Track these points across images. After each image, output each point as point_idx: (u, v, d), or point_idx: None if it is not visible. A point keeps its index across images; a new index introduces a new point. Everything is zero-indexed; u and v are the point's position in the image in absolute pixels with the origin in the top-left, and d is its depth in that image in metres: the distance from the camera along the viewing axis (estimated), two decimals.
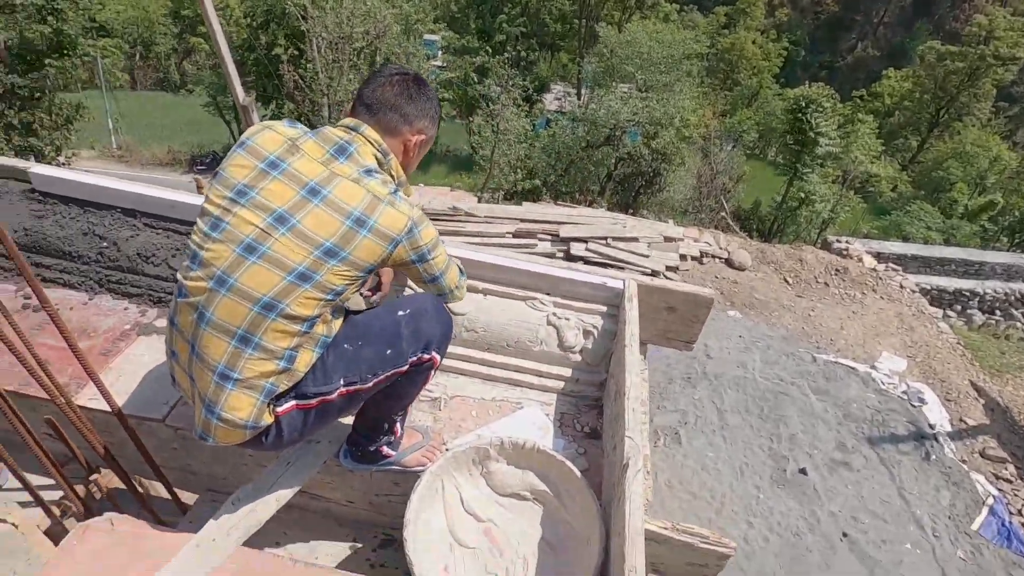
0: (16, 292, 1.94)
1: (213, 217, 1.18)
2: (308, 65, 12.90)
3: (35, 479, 1.65)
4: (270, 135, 1.22)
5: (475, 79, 21.56)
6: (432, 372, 1.39)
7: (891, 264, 9.75)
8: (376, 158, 1.28)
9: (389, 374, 1.29)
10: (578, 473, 1.38)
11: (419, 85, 1.36)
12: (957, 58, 27.32)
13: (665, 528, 1.42)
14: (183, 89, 33.02)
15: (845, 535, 4.85)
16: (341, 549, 1.67)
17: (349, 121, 1.29)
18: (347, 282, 1.19)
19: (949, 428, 6.20)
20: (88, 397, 1.65)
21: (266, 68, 17.79)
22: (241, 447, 1.28)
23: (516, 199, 12.63)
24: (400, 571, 1.61)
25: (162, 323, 1.89)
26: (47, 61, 13.11)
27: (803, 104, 14.41)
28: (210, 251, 1.16)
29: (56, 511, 1.68)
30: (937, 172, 22.50)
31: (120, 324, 1.87)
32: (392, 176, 1.33)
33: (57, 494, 1.72)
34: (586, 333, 1.76)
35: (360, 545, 1.68)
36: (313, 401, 1.26)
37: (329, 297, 1.18)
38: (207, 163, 24.73)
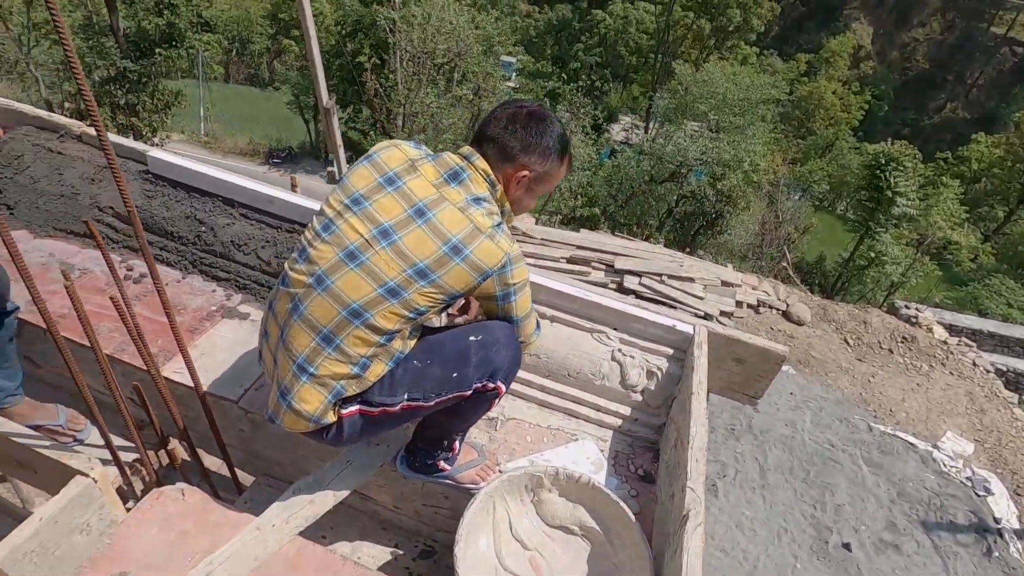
0: (120, 263, 2.10)
1: (327, 219, 1.26)
2: (389, 75, 13.46)
3: (113, 440, 1.77)
4: (395, 152, 1.29)
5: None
6: (496, 400, 1.40)
7: (964, 339, 9.15)
8: (487, 187, 1.31)
9: (452, 396, 1.31)
10: (632, 517, 1.36)
11: (531, 119, 1.34)
12: None
13: None
14: (271, 86, 35.06)
15: None
16: (382, 552, 1.69)
17: (465, 150, 1.34)
18: (431, 304, 1.23)
19: (1017, 525, 5.71)
20: (173, 370, 1.76)
21: (349, 74, 18.70)
22: (304, 436, 1.35)
23: (573, 225, 12.68)
24: None
25: (245, 308, 2.00)
26: (157, 50, 14.23)
27: (883, 161, 13.84)
28: (317, 250, 1.24)
29: (128, 472, 1.79)
30: None
31: (207, 305, 1.99)
32: (500, 207, 1.35)
33: (130, 456, 1.84)
34: (650, 374, 1.74)
35: (401, 552, 1.70)
36: (376, 410, 1.31)
37: (411, 315, 1.22)
38: (283, 156, 26.03)
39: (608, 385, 1.75)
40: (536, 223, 9.50)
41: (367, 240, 1.20)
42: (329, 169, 22.10)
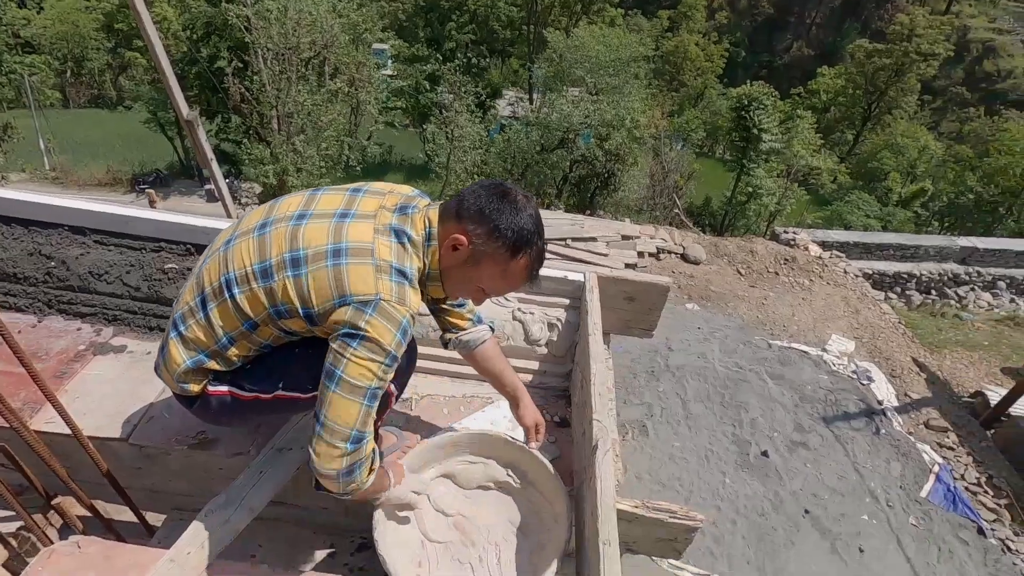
0: None
1: (288, 194, 1.25)
2: (254, 77, 12.62)
3: None
4: (386, 183, 1.28)
5: (427, 87, 21.53)
6: (391, 400, 1.34)
7: (835, 251, 10.26)
8: (421, 235, 1.18)
9: None
10: (539, 455, 1.42)
11: (499, 193, 1.18)
12: (884, 55, 29.02)
13: (635, 507, 1.48)
14: (120, 105, 31.66)
15: (807, 512, 5.07)
16: (319, 555, 1.66)
17: (434, 203, 1.26)
18: (290, 306, 1.11)
19: (896, 403, 6.56)
20: (44, 421, 1.59)
21: (209, 82, 17.29)
22: (177, 401, 1.32)
23: None
24: (378, 574, 1.62)
25: (119, 341, 1.84)
26: None
27: (746, 102, 15.03)
28: (253, 212, 1.23)
29: (14, 543, 1.61)
30: (872, 163, 23.81)
31: (74, 345, 1.81)
32: (426, 261, 1.20)
33: (13, 526, 1.65)
34: (551, 326, 1.81)
35: (336, 551, 1.68)
36: (247, 395, 1.27)
37: (272, 311, 1.14)
38: (151, 181, 23.69)
39: (514, 344, 1.81)
40: None
41: (285, 216, 1.17)
42: (207, 187, 20.45)
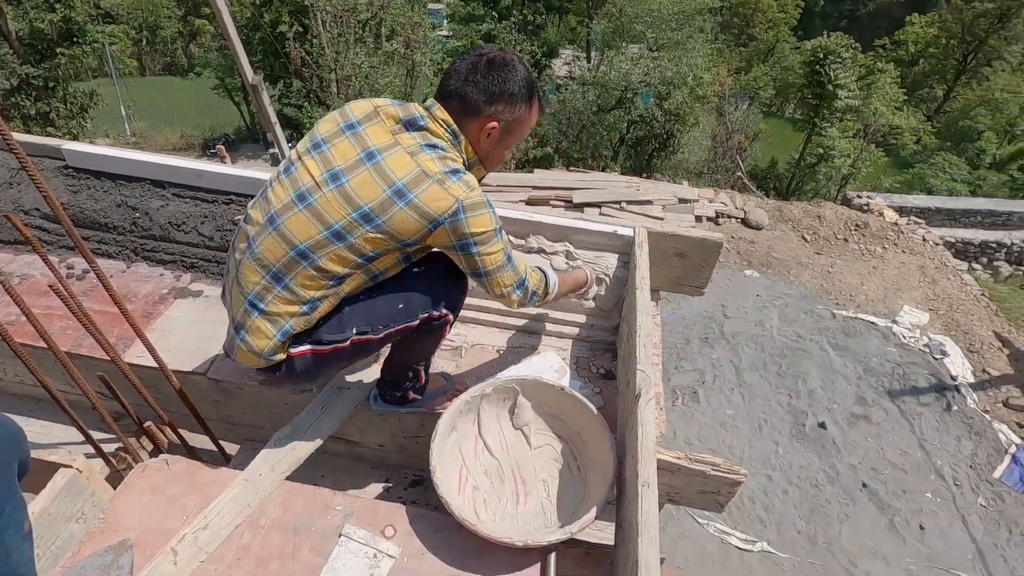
0: (59, 263, 2.06)
1: (290, 161, 1.29)
2: (314, 40, 12.83)
3: (93, 435, 1.79)
4: (363, 103, 1.30)
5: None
6: (446, 329, 1.44)
7: (913, 217, 9.55)
8: (446, 137, 1.28)
9: (400, 328, 1.34)
10: (584, 401, 1.44)
11: (491, 67, 1.27)
12: None
13: (678, 458, 1.50)
14: (191, 72, 33.05)
15: (865, 486, 4.92)
16: (375, 489, 1.79)
17: (428, 101, 1.32)
18: (380, 250, 1.23)
19: (971, 379, 6.16)
20: (135, 355, 1.76)
21: (272, 47, 17.73)
22: (260, 374, 1.40)
23: (528, 167, 12.56)
24: (431, 507, 1.73)
25: (197, 286, 2.00)
26: (58, 50, 13.25)
27: (821, 56, 13.93)
28: (274, 191, 1.27)
29: (114, 461, 1.82)
30: (964, 121, 21.70)
31: (157, 289, 1.98)
32: (463, 156, 1.31)
33: (112, 447, 1.87)
34: (599, 280, 1.82)
35: (392, 485, 1.80)
36: (327, 347, 1.34)
37: (361, 260, 1.24)
38: (219, 145, 24.84)
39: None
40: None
41: (317, 183, 1.22)
42: (271, 151, 21.23)
